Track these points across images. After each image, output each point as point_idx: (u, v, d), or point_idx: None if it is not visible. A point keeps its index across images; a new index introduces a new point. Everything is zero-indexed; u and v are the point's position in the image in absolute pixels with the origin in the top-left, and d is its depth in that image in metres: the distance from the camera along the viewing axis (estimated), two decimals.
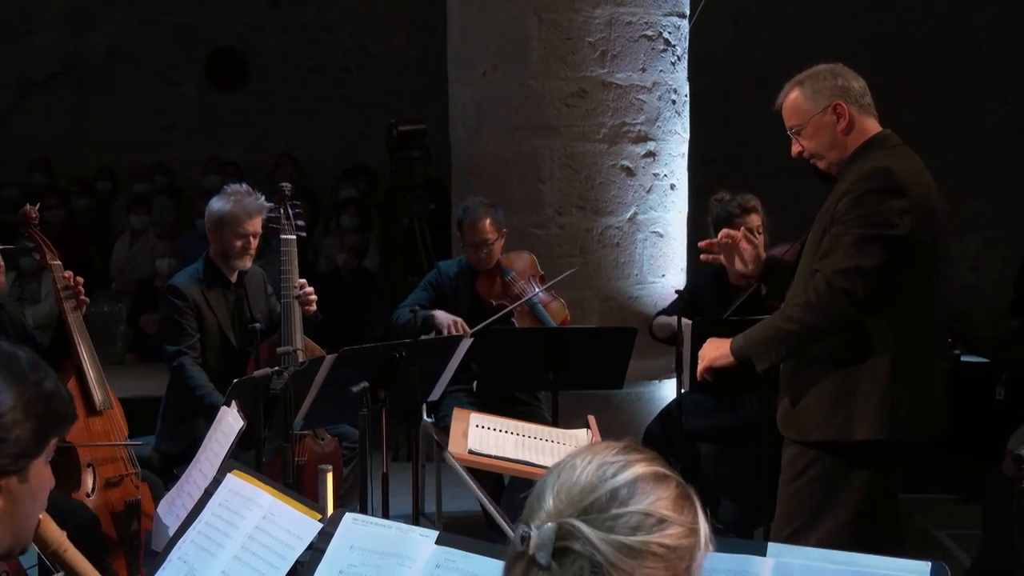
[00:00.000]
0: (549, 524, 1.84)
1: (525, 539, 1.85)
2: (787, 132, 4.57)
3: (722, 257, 4.82)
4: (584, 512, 1.84)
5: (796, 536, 4.31)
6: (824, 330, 4.33)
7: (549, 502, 1.88)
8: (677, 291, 6.71)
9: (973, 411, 8.12)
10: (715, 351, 4.60)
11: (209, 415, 5.63)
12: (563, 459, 1.95)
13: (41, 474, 2.21)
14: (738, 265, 4.79)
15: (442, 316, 6.57)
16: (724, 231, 4.85)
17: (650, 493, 1.87)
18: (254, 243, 6.20)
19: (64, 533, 2.48)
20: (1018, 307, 10.92)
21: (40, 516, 2.30)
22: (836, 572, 2.53)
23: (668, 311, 6.88)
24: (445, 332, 6.45)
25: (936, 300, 4.43)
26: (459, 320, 6.53)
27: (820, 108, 4.45)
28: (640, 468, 1.90)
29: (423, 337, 6.09)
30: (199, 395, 5.91)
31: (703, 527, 1.92)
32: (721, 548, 2.61)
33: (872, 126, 4.49)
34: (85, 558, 2.55)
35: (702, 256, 4.96)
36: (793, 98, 4.51)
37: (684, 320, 5.92)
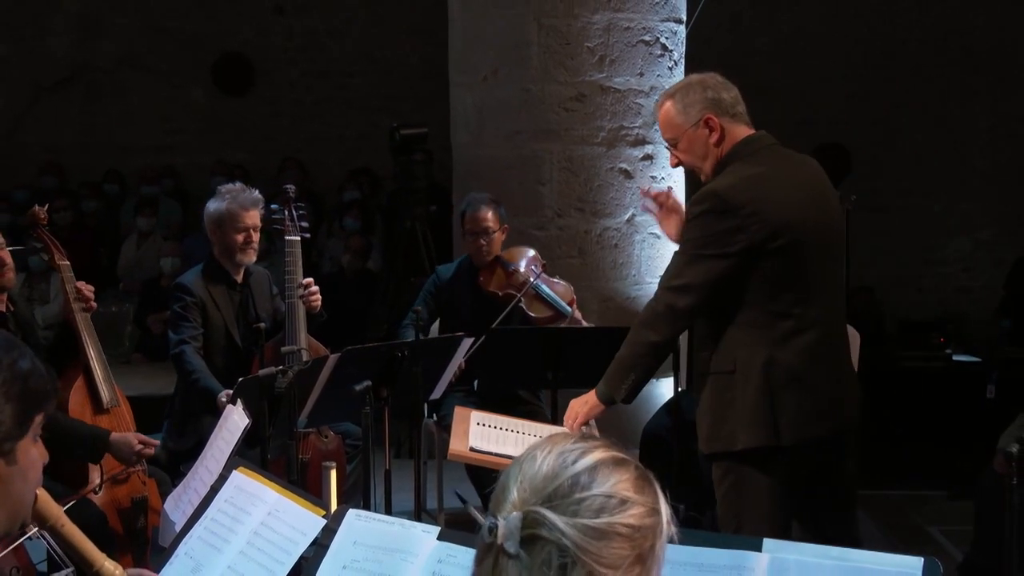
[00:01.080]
0: (515, 513, 1.86)
1: (493, 530, 1.87)
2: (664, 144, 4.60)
3: (657, 210, 4.84)
4: (548, 499, 1.86)
5: None
6: (659, 345, 4.40)
7: (513, 493, 1.90)
8: None
9: (965, 409, 8.14)
10: (583, 405, 4.61)
11: (202, 397, 5.71)
12: (524, 452, 1.97)
13: (29, 453, 2.19)
14: (667, 229, 4.81)
15: None
16: (668, 189, 4.94)
17: (610, 476, 1.89)
18: (255, 236, 6.19)
19: (61, 508, 2.47)
20: (1009, 307, 10.94)
21: (37, 492, 2.28)
22: (831, 567, 2.53)
23: None
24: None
25: (819, 299, 4.33)
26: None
27: (692, 122, 4.39)
28: (599, 454, 1.92)
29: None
30: (194, 379, 5.90)
31: (664, 509, 1.94)
32: (717, 544, 2.62)
33: (744, 133, 4.43)
34: (81, 532, 2.54)
35: (642, 205, 5.05)
36: (665, 111, 4.47)
37: None
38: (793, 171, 4.42)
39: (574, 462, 1.89)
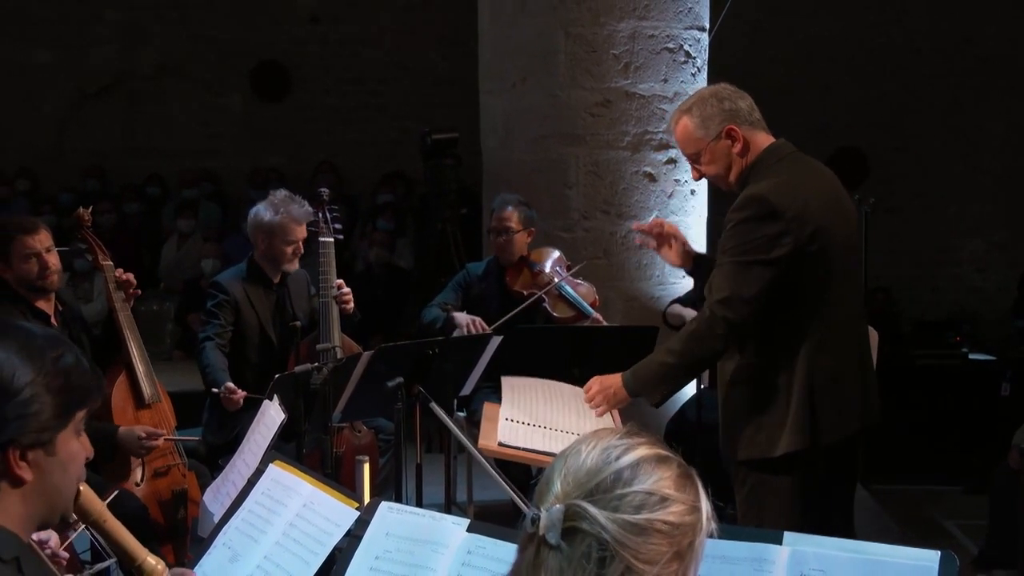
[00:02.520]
0: (557, 506, 1.85)
1: (535, 521, 1.87)
2: (685, 159, 4.46)
3: (654, 243, 4.72)
4: (590, 494, 1.86)
5: None
6: (707, 359, 4.32)
7: (557, 486, 1.89)
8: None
9: (980, 406, 8.10)
10: (610, 394, 4.45)
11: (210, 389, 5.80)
12: (569, 446, 1.96)
13: (70, 446, 2.18)
14: (666, 256, 4.71)
15: (461, 316, 6.58)
16: (656, 220, 4.75)
17: (652, 473, 1.89)
18: (301, 248, 6.23)
19: (104, 504, 2.47)
20: (1023, 308, 10.89)
21: (80, 488, 2.28)
22: (848, 560, 2.51)
23: (682, 300, 6.88)
24: (465, 331, 6.45)
25: (845, 302, 4.28)
26: (477, 319, 6.53)
27: (713, 134, 4.28)
28: (642, 451, 1.91)
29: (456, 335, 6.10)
30: (206, 372, 5.95)
31: (705, 505, 1.93)
32: (739, 537, 2.60)
33: (765, 140, 4.33)
34: (124, 528, 2.53)
35: (636, 240, 4.82)
36: (683, 127, 4.34)
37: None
38: (816, 178, 4.33)
39: (617, 458, 1.89)
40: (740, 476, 4.37)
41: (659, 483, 1.88)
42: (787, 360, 4.19)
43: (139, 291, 5.64)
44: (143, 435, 5.25)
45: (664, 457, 1.93)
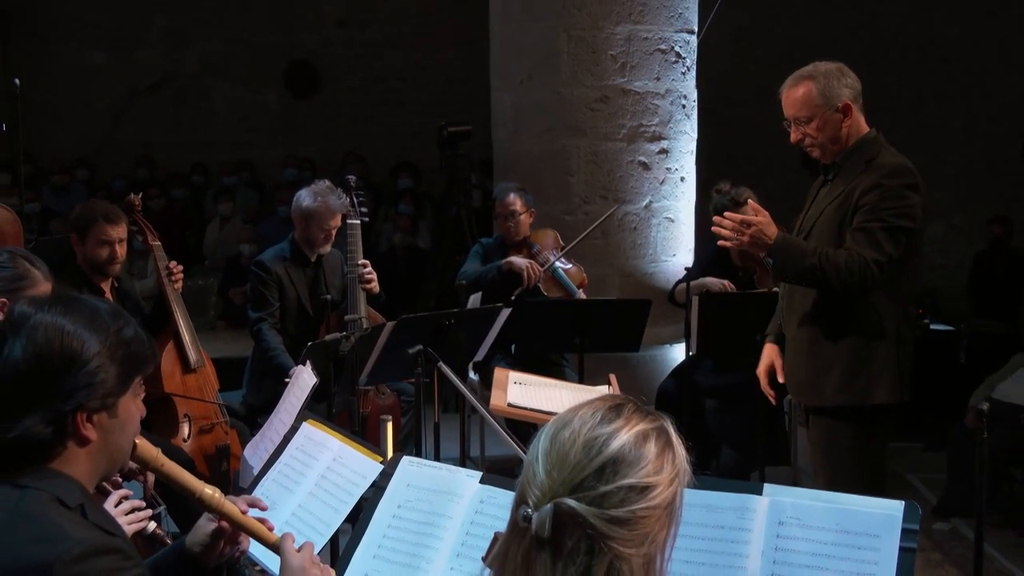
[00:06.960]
0: (547, 506, 1.78)
1: (527, 519, 1.80)
2: (786, 120, 4.33)
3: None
4: (575, 490, 1.78)
5: None
6: (840, 284, 4.09)
7: (542, 475, 1.82)
8: (686, 268, 6.68)
9: (940, 371, 8.08)
10: (762, 235, 4.16)
11: (278, 375, 5.65)
12: (552, 426, 1.87)
13: (129, 408, 2.22)
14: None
15: (520, 261, 6.60)
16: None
17: (633, 464, 1.80)
18: (333, 234, 6.22)
19: (159, 450, 2.49)
20: (974, 290, 10.91)
21: (136, 440, 2.31)
22: (823, 509, 2.50)
23: (683, 280, 6.91)
24: (525, 275, 6.53)
25: (915, 275, 4.34)
26: (535, 263, 6.62)
27: (833, 106, 4.24)
28: (622, 438, 1.82)
29: (470, 307, 6.11)
30: (270, 356, 5.93)
31: (681, 463, 1.86)
32: (723, 488, 2.60)
33: (864, 123, 4.34)
34: (180, 467, 2.56)
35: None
36: (806, 91, 4.25)
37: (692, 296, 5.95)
38: None
39: (599, 452, 1.80)
40: (822, 423, 4.31)
41: (640, 472, 1.80)
42: (890, 319, 4.20)
43: (182, 274, 5.65)
44: None
45: (642, 436, 1.83)
